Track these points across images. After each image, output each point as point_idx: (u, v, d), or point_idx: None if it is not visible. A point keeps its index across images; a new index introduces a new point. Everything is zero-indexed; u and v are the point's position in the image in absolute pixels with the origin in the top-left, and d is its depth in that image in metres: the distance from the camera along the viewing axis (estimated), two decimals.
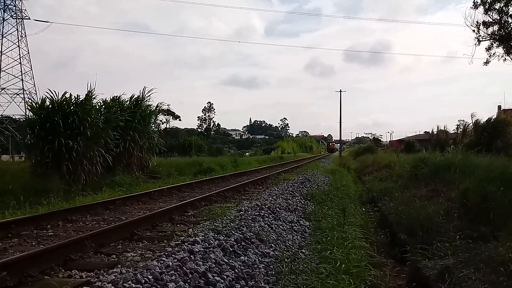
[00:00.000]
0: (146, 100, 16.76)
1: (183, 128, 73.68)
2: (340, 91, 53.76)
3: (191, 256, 4.34)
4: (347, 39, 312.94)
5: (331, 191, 12.02)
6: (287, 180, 13.99)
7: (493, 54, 11.72)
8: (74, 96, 12.67)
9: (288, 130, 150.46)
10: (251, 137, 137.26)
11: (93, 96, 13.30)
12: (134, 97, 16.41)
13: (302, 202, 10.09)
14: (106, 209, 8.20)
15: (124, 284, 3.48)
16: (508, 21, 11.16)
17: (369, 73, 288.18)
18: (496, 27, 11.07)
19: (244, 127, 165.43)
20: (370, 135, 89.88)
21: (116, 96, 15.47)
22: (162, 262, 4.09)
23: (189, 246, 4.66)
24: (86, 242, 4.79)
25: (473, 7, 11.46)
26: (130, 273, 3.79)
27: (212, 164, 20.90)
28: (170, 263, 4.04)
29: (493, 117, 18.26)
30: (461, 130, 22.35)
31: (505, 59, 11.68)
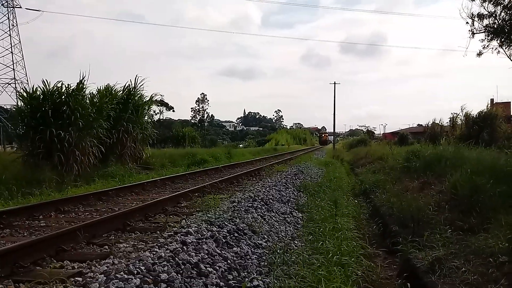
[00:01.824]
0: (139, 90, 16.61)
1: (177, 119, 73.47)
2: (334, 83, 53.79)
3: (184, 247, 4.35)
4: (343, 30, 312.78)
5: (324, 183, 12.08)
6: (281, 171, 14.03)
7: (487, 46, 11.74)
8: (65, 86, 12.53)
9: (282, 122, 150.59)
10: (245, 128, 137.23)
11: (85, 86, 13.16)
12: (127, 86, 16.25)
13: (295, 193, 10.13)
14: (99, 200, 8.18)
15: (116, 274, 3.48)
16: (505, 12, 11.16)
17: (364, 65, 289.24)
18: (491, 20, 11.08)
19: (238, 118, 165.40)
20: (364, 127, 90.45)
21: (109, 86, 15.32)
22: (154, 253, 4.10)
23: (182, 237, 4.67)
24: (78, 233, 4.78)
25: None
26: (123, 264, 3.80)
27: (206, 155, 20.87)
28: (163, 254, 4.04)
29: (484, 110, 18.37)
30: (452, 123, 22.49)
31: (498, 52, 11.72)
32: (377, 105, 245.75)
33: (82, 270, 3.87)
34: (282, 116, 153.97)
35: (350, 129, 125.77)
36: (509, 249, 4.94)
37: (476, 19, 11.76)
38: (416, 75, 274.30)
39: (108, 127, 13.98)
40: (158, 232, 5.19)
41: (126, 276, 3.46)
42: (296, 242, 6.12)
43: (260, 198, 8.06)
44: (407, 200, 8.24)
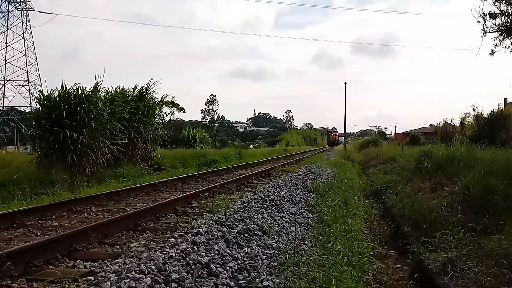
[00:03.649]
0: (151, 92, 16.77)
1: (187, 120, 73.84)
2: (345, 83, 53.44)
3: (194, 247, 4.36)
4: (354, 31, 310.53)
5: (334, 184, 12.03)
6: (291, 172, 14.01)
7: (499, 44, 11.59)
8: (80, 88, 12.71)
9: (293, 123, 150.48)
10: (255, 129, 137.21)
11: (99, 88, 13.36)
12: (138, 88, 16.41)
13: (306, 194, 10.11)
14: (111, 200, 8.26)
15: (128, 274, 3.51)
16: None
17: (376, 65, 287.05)
18: (503, 18, 10.93)
19: (249, 119, 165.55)
20: (375, 127, 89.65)
21: (120, 88, 15.48)
22: (165, 253, 4.12)
23: (192, 237, 4.69)
24: (90, 233, 4.83)
25: None
26: (134, 263, 3.83)
27: (216, 156, 20.94)
28: (173, 254, 4.07)
29: (495, 110, 18.10)
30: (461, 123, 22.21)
31: (511, 51, 11.56)
32: (388, 105, 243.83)
33: (94, 269, 3.91)
34: (292, 116, 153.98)
35: (361, 130, 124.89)
36: None
37: (488, 18, 11.62)
38: (428, 75, 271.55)
39: (121, 128, 14.12)
40: (169, 232, 5.22)
41: (137, 275, 3.48)
42: (306, 242, 6.10)
43: (270, 198, 8.06)
44: (418, 201, 8.16)
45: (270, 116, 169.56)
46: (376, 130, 79.14)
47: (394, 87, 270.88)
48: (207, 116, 79.03)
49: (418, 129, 50.13)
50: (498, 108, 19.68)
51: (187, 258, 4.00)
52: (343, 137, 66.79)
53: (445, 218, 7.10)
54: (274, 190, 9.15)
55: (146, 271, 3.59)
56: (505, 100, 29.57)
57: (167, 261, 3.89)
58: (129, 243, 4.83)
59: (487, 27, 11.32)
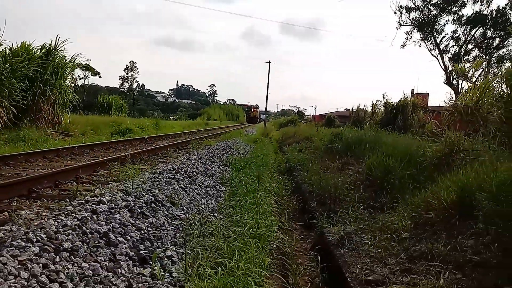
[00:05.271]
0: (61, 51, 15.33)
1: (104, 86, 69.47)
2: (269, 62, 53.99)
3: (94, 216, 4.11)
4: (284, 10, 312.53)
5: (251, 159, 12.19)
6: (209, 146, 13.89)
7: (410, 38, 12.49)
8: None
9: (216, 97, 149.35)
10: (177, 101, 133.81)
11: None
12: (46, 46, 14.90)
13: (221, 168, 10.09)
14: (5, 164, 7.45)
15: (13, 242, 3.19)
16: (430, 8, 11.94)
17: (302, 47, 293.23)
18: (417, 13, 11.75)
19: (171, 90, 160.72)
20: (295, 108, 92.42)
21: (25, 44, 13.92)
22: (59, 221, 3.81)
23: (93, 206, 4.41)
24: None
25: None
26: (22, 231, 3.49)
27: (132, 125, 20.00)
28: (69, 223, 3.78)
29: (401, 99, 19.75)
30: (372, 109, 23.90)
31: (420, 45, 12.51)
32: (310, 88, 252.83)
33: None
34: (216, 91, 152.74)
35: (282, 109, 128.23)
36: (411, 226, 5.35)
37: (403, 11, 12.42)
38: (350, 62, 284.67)
39: (24, 88, 12.79)
40: (67, 200, 4.83)
41: (23, 243, 3.19)
42: (215, 214, 6.10)
43: (183, 170, 7.90)
44: (326, 179, 8.58)
45: (194, 88, 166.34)
46: (296, 111, 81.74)
47: (317, 71, 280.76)
48: (125, 83, 75.13)
49: (334, 112, 52.65)
50: (403, 98, 21.52)
51: (83, 227, 3.75)
52: (264, 115, 67.85)
53: (348, 195, 7.56)
54: (188, 162, 8.98)
55: (35, 239, 3.30)
56: (412, 90, 32.23)
57: (61, 229, 3.60)
58: (20, 209, 4.40)
59: (402, 20, 12.08)
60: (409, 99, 20.86)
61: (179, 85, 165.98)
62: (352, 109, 28.48)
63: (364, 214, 6.45)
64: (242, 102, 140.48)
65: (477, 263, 3.85)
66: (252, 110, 74.83)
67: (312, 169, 10.40)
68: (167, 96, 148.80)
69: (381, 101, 23.19)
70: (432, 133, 7.93)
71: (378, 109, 24.08)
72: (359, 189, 7.89)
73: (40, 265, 3.01)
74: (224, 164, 10.76)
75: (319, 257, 5.15)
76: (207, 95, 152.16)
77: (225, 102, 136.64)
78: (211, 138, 18.38)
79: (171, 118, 52.02)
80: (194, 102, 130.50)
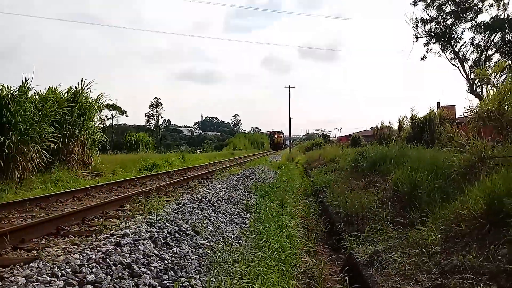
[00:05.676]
0: (87, 93, 16.02)
1: (131, 124, 71.59)
2: (289, 87, 54.54)
3: (118, 248, 4.17)
4: (301, 35, 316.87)
5: (275, 185, 12.14)
6: (233, 174, 13.97)
7: (430, 50, 12.39)
8: (5, 88, 11.88)
9: (240, 127, 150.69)
10: (202, 133, 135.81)
11: (29, 88, 12.54)
12: (72, 89, 15.60)
13: (246, 195, 10.09)
14: (37, 206, 7.73)
15: (38, 277, 3.28)
16: (446, 18, 11.88)
17: (323, 69, 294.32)
18: (433, 24, 11.70)
19: (196, 123, 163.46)
20: (320, 131, 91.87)
21: (52, 88, 14.63)
22: (84, 255, 3.90)
23: (118, 239, 4.49)
24: (4, 238, 4.47)
25: (413, 3, 12.03)
26: (48, 266, 3.58)
27: (159, 160, 20.42)
28: (93, 256, 3.86)
29: (427, 113, 19.31)
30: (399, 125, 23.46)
31: (440, 55, 12.39)
32: (334, 109, 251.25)
33: (3, 274, 3.61)
34: (240, 120, 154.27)
35: (306, 133, 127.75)
36: (441, 240, 5.16)
37: (419, 24, 12.39)
38: (371, 79, 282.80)
39: (53, 132, 13.36)
40: (93, 235, 4.95)
41: (48, 278, 3.27)
42: (240, 241, 6.07)
43: (207, 199, 7.95)
44: (352, 198, 8.43)
45: (218, 120, 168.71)
46: (320, 134, 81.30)
47: (339, 92, 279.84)
48: (151, 119, 77.06)
49: (359, 132, 52.10)
50: (430, 111, 21.06)
51: (107, 259, 3.81)
52: (289, 140, 67.79)
53: (376, 213, 7.38)
54: (213, 192, 9.04)
55: (59, 274, 3.38)
56: (438, 103, 31.66)
57: (85, 263, 3.68)
58: (48, 247, 4.53)
59: (418, 33, 12.05)
60: (435, 111, 20.46)
61: (204, 117, 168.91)
62: (376, 127, 28.15)
63: (393, 231, 6.27)
64: (266, 129, 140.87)
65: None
66: (276, 136, 72.53)
67: (337, 189, 10.25)
68: (193, 129, 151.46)
69: (407, 116, 22.79)
70: (459, 144, 7.70)
71: (405, 125, 23.67)
72: (386, 206, 7.69)
73: None
74: (249, 191, 10.76)
75: (347, 279, 5.01)
76: (232, 125, 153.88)
77: (250, 131, 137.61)
78: (236, 167, 18.50)
79: (198, 151, 52.71)
80: (219, 133, 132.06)
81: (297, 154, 38.39)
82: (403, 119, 23.42)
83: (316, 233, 8.01)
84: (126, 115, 57.23)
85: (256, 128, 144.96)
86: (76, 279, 3.36)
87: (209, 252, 5.16)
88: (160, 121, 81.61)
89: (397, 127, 25.41)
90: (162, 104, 77.91)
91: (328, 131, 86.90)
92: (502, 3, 23.29)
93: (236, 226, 7.08)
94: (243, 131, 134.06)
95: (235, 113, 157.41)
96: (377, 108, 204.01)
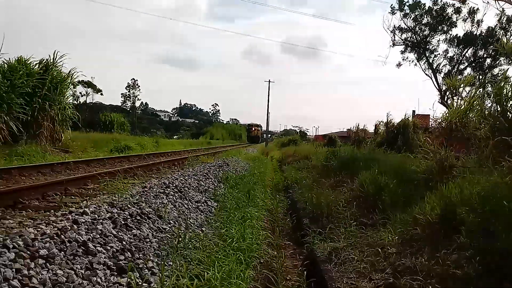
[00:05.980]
0: (59, 67, 15.51)
1: (108, 104, 70.11)
2: (269, 81, 54.57)
3: (74, 226, 4.10)
4: (284, 31, 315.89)
5: (246, 176, 12.17)
6: (206, 163, 13.91)
7: (407, 58, 12.64)
8: None
9: (219, 116, 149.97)
10: (180, 120, 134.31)
11: None
12: (44, 61, 15.09)
13: (215, 184, 10.09)
14: None
15: None
16: (422, 29, 12.14)
17: (303, 66, 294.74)
18: (409, 34, 11.93)
19: (174, 109, 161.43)
20: (298, 128, 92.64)
21: (22, 58, 14.11)
22: (39, 229, 3.82)
23: (76, 216, 4.41)
24: None
25: (391, 12, 12.24)
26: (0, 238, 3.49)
27: (132, 143, 20.13)
28: (48, 231, 3.78)
29: (401, 120, 19.75)
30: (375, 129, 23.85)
31: (415, 64, 12.65)
32: (312, 108, 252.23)
33: None
34: (219, 110, 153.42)
35: (285, 129, 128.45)
36: (398, 242, 5.32)
37: (397, 31, 12.63)
38: (350, 81, 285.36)
39: (22, 104, 12.93)
40: (51, 211, 4.84)
41: None
42: (203, 228, 6.08)
43: (174, 185, 7.90)
44: (319, 196, 8.55)
45: (197, 108, 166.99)
46: (298, 130, 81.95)
47: (318, 91, 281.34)
48: (127, 100, 75.65)
49: (337, 132, 52.67)
50: (404, 118, 21.56)
51: (62, 236, 3.75)
52: (266, 134, 67.98)
53: (341, 212, 7.53)
54: (181, 178, 8.98)
55: (11, 246, 3.30)
56: (413, 111, 32.34)
57: (39, 237, 3.61)
58: (3, 219, 4.41)
59: (395, 40, 12.27)
60: (410, 119, 20.92)
61: (182, 103, 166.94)
62: (352, 128, 28.53)
63: (356, 230, 6.41)
64: (245, 121, 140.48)
65: (459, 277, 3.81)
66: (253, 128, 71.02)
67: (306, 186, 10.38)
68: (171, 115, 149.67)
69: (382, 121, 23.21)
70: (425, 151, 7.91)
71: (380, 130, 24.09)
72: (352, 206, 7.85)
73: (14, 270, 3.02)
74: (219, 181, 10.76)
75: (305, 272, 5.10)
76: (210, 114, 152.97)
77: (228, 121, 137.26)
78: (209, 156, 18.41)
79: (174, 137, 52.23)
80: (197, 121, 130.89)
81: (273, 149, 38.58)
82: (379, 123, 23.86)
83: (282, 227, 8.11)
84: (101, 94, 56.01)
85: (235, 119, 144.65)
86: (28, 252, 3.29)
87: (169, 236, 5.15)
88: (137, 103, 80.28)
89: (372, 131, 25.85)
90: (139, 86, 76.69)
91: (306, 129, 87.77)
92: (475, 20, 24.10)
93: (202, 214, 7.07)
94: (221, 121, 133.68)
95: (214, 102, 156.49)
96: (356, 111, 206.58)
